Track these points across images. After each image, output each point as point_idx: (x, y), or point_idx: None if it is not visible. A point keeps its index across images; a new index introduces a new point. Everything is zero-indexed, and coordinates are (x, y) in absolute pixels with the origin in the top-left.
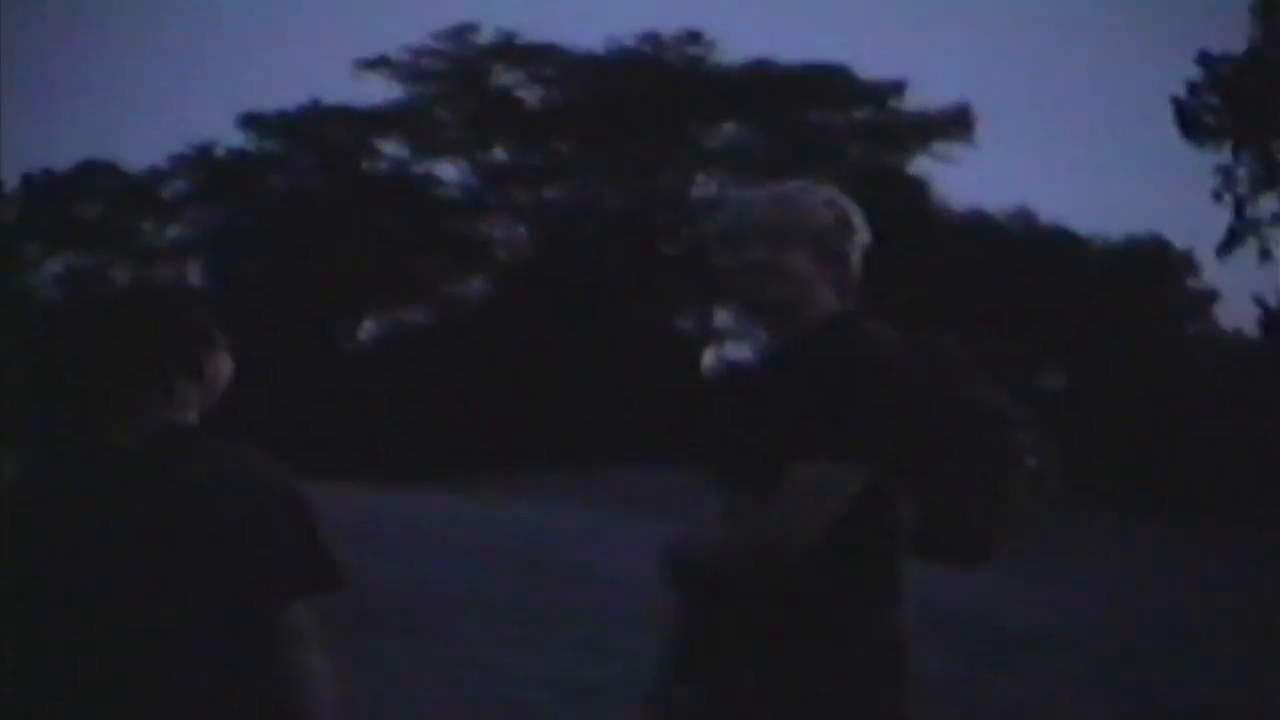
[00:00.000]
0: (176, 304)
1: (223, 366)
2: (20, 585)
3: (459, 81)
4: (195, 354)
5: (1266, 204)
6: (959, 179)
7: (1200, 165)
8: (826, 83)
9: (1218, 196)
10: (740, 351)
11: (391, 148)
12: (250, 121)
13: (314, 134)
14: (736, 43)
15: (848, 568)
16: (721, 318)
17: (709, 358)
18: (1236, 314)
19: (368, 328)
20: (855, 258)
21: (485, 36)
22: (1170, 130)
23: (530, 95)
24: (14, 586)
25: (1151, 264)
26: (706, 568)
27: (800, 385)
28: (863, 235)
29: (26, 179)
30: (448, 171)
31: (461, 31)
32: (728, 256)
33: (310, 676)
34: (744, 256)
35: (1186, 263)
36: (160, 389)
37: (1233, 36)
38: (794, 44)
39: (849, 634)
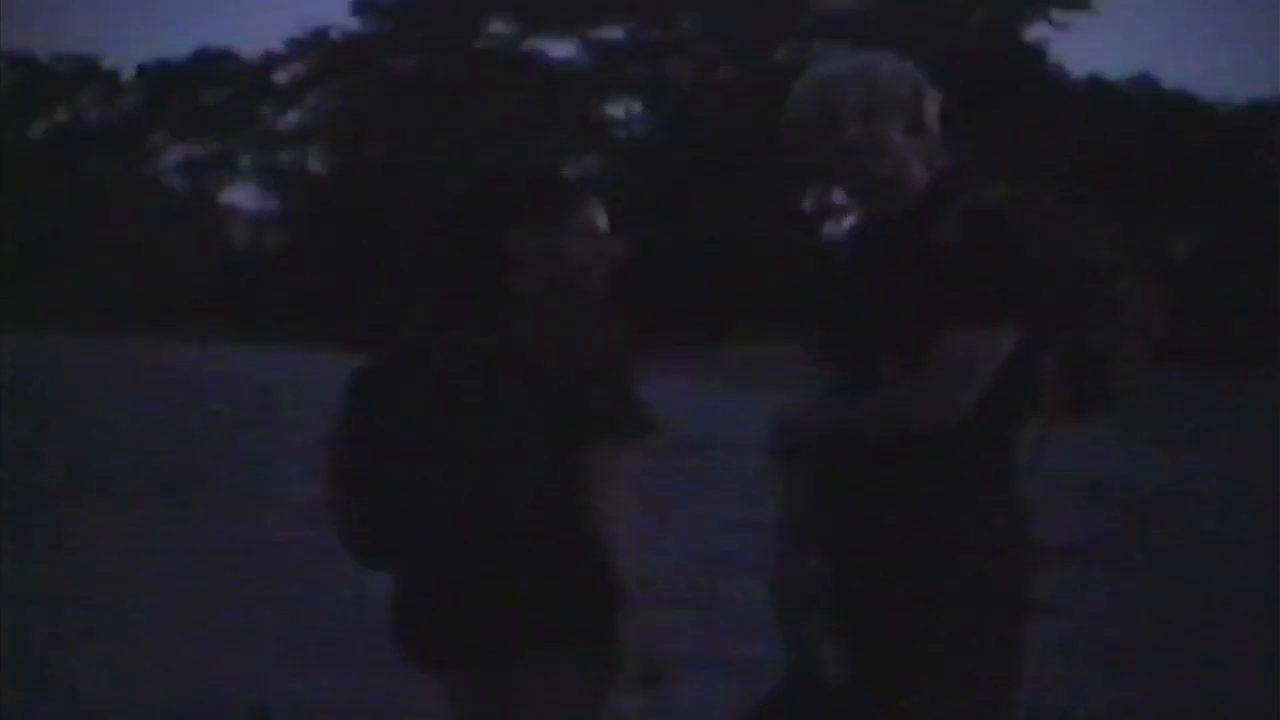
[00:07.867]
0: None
1: (584, 224)
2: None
3: None
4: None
5: None
6: (1078, 46)
7: None
8: None
9: None
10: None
11: (500, 27)
12: (363, 5)
13: (424, 15)
14: None
15: (994, 430)
16: (839, 193)
17: (827, 232)
18: None
19: None
20: (934, 124)
21: None
22: None
23: None
24: (399, 419)
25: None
26: (840, 440)
27: (936, 255)
28: (934, 98)
29: (142, 69)
30: (559, 50)
31: None
32: (823, 140)
33: (618, 511)
34: (841, 137)
35: None
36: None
37: None
38: None
39: (993, 498)
